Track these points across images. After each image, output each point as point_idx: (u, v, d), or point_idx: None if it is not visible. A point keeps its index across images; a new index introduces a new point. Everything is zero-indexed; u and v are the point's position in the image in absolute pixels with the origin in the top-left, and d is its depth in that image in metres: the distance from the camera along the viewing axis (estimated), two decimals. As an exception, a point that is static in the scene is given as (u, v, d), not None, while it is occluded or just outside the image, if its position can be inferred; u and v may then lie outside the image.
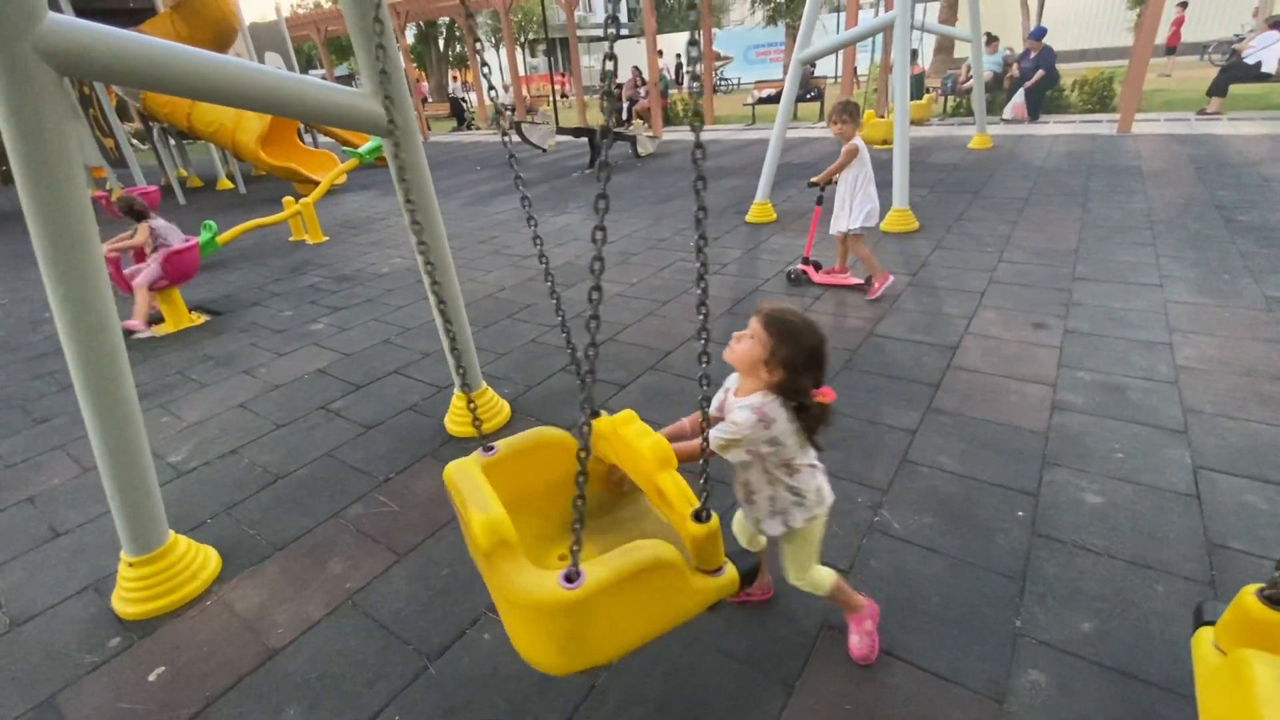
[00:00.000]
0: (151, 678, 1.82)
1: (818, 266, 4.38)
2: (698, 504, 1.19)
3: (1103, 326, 3.33)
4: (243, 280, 5.80)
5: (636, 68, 15.08)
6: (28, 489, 2.83)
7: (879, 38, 9.45)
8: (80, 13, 9.64)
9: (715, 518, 1.19)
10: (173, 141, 11.78)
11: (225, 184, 11.79)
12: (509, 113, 16.49)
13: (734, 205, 6.76)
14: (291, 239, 7.13)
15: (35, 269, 5.70)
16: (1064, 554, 1.92)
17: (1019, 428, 2.55)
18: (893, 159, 5.28)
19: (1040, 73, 10.02)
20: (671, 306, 4.16)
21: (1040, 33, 10.35)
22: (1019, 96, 10.23)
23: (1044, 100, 10.39)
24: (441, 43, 25.03)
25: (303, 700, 1.69)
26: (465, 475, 1.32)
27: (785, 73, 14.47)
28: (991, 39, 10.58)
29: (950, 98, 11.98)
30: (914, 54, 5.90)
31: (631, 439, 1.37)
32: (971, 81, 8.84)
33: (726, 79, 23.79)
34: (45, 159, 1.46)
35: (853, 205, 3.91)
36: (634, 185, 8.52)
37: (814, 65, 11.92)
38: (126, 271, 4.66)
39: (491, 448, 1.47)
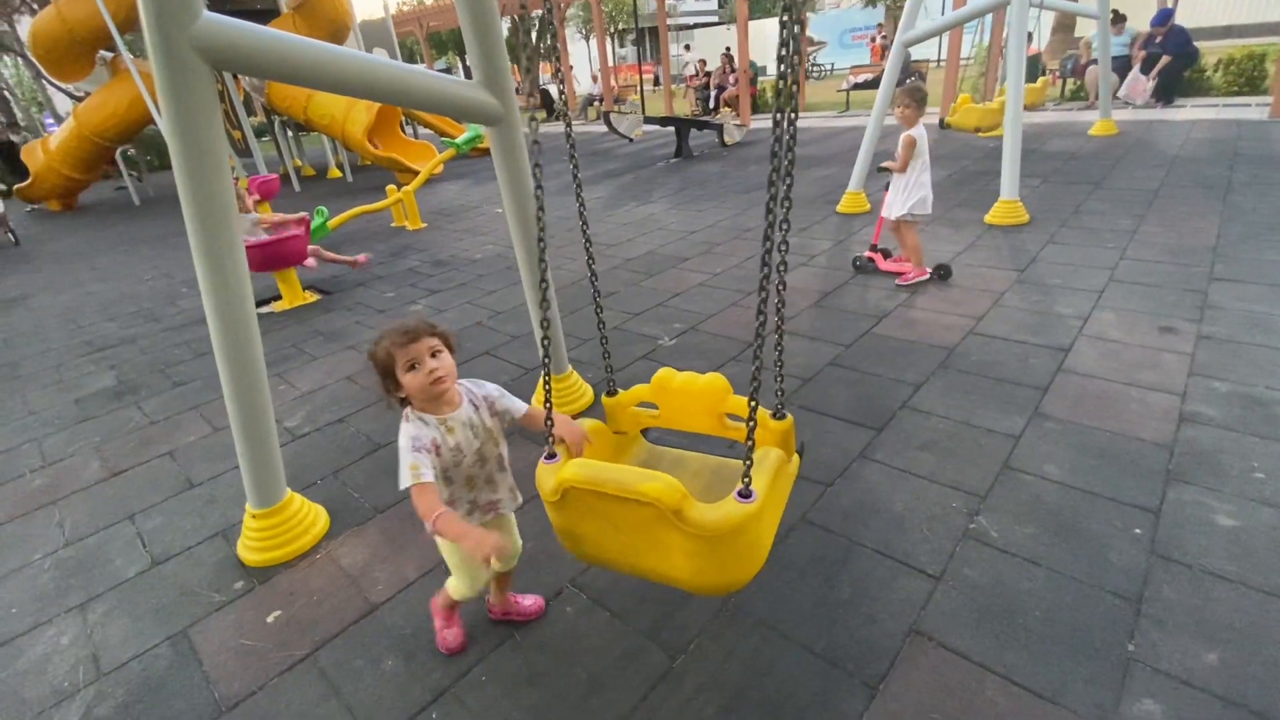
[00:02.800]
0: (270, 619, 2.00)
1: (887, 254, 4.29)
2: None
3: (1244, 333, 2.99)
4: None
5: (727, 51, 14.85)
6: (168, 444, 3.16)
7: (987, 17, 8.84)
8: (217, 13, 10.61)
9: (790, 416, 1.56)
10: (290, 133, 12.73)
11: (335, 173, 12.62)
12: (598, 103, 16.69)
13: (824, 195, 6.55)
14: (393, 225, 7.55)
15: (176, 249, 6.35)
16: (1188, 578, 1.75)
17: (1139, 439, 2.34)
18: (1002, 146, 4.95)
19: (1165, 58, 9.03)
20: (754, 297, 4.08)
21: (1163, 17, 9.29)
22: (1133, 77, 9.27)
23: (1180, 82, 9.38)
24: (534, 35, 25.64)
25: (399, 652, 1.81)
26: (589, 469, 1.33)
27: (882, 57, 13.82)
28: (1119, 17, 9.65)
29: (1070, 80, 11.05)
30: (1029, 35, 5.44)
31: (685, 384, 1.67)
32: (1096, 63, 8.11)
33: (820, 65, 23.01)
34: (199, 144, 1.62)
35: (905, 192, 3.85)
36: (720, 174, 8.42)
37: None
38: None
39: (553, 455, 1.50)
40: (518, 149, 2.24)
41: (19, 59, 21.66)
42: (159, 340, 4.71)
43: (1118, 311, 3.33)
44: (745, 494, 1.26)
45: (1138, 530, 1.93)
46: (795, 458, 1.55)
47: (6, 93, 26.95)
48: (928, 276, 4.01)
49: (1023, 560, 1.86)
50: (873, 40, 20.63)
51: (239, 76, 10.89)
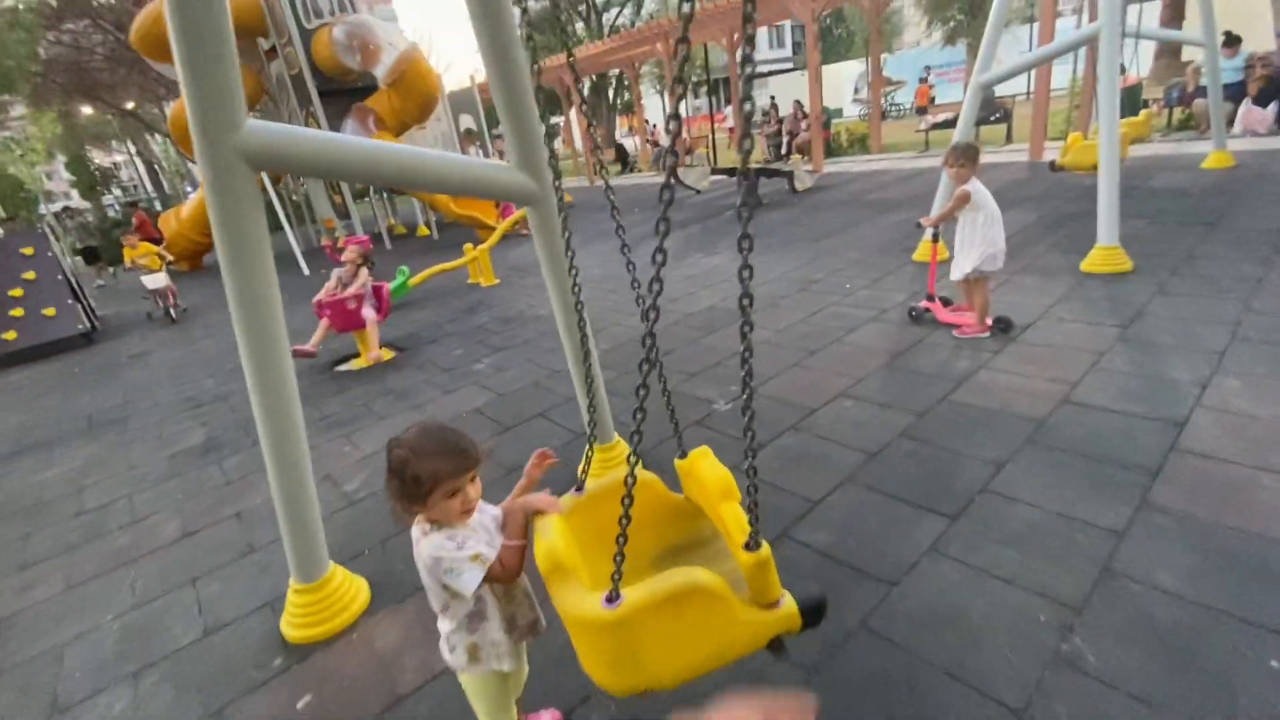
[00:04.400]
0: (300, 705, 1.97)
1: (946, 303, 4.08)
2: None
3: None
4: (427, 319, 6.48)
5: (798, 101, 14.84)
6: (238, 504, 3.31)
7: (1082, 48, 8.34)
8: (323, 93, 11.71)
9: (766, 546, 1.20)
10: (385, 195, 13.74)
11: (423, 231, 13.44)
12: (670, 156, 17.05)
13: (900, 241, 6.26)
14: (469, 281, 7.87)
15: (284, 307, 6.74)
16: (1358, 739, 1.39)
17: (1276, 540, 1.95)
18: (1097, 186, 4.54)
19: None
20: (821, 358, 3.88)
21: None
22: (1246, 108, 8.41)
23: (1312, 105, 8.43)
24: (611, 93, 26.75)
25: (416, 758, 1.72)
26: (546, 522, 1.38)
27: (965, 93, 13.38)
28: (1231, 39, 8.87)
29: (1177, 109, 10.20)
30: (1120, 67, 4.97)
31: (702, 472, 1.50)
32: (1202, 91, 7.43)
33: (897, 104, 22.60)
34: (243, 239, 1.70)
35: (970, 249, 3.66)
36: (788, 222, 8.27)
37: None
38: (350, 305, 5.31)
39: (581, 486, 1.59)
40: (556, 228, 2.23)
41: (167, 137, 24.85)
42: (247, 398, 5.02)
43: (1244, 377, 2.88)
44: (611, 597, 1.13)
45: (1275, 663, 1.58)
46: (787, 608, 1.24)
47: (156, 165, 30.94)
48: (988, 334, 3.75)
49: (1127, 697, 1.56)
50: (922, 81, 20.05)
51: (340, 147, 11.85)
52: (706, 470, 1.57)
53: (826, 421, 3.12)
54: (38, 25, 16.06)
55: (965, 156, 3.63)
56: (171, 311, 8.81)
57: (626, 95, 25.78)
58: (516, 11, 1.80)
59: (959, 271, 3.77)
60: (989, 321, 3.81)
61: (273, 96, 13.05)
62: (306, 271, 10.59)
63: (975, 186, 3.62)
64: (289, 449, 2.10)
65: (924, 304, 4.19)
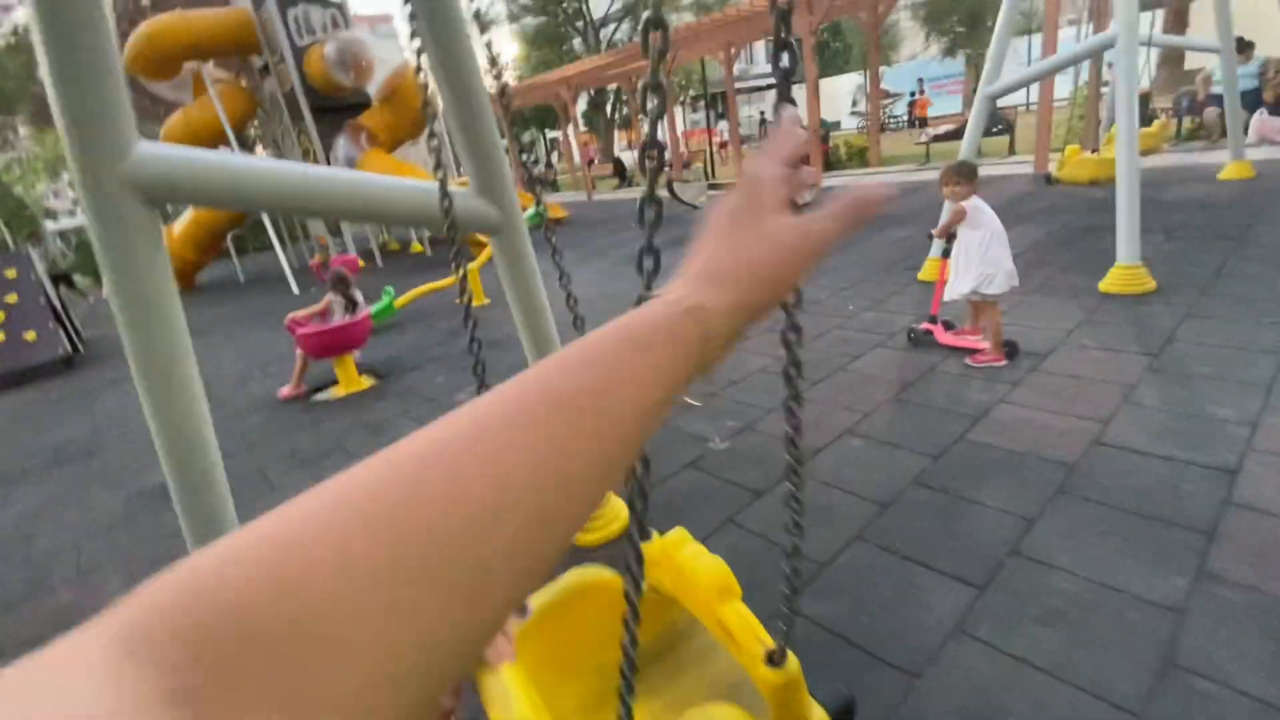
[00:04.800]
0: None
1: (949, 326, 3.87)
2: (771, 642, 1.03)
3: None
4: (411, 343, 6.22)
5: (795, 115, 14.66)
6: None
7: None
8: (316, 110, 11.55)
9: (795, 662, 1.04)
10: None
11: (417, 247, 13.25)
12: (667, 169, 16.90)
13: (903, 259, 6.00)
14: (458, 301, 7.60)
15: (263, 328, 6.51)
16: None
17: (1371, 624, 1.66)
18: (1116, 201, 4.28)
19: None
20: (825, 389, 3.59)
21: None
22: (1259, 117, 8.19)
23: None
24: (609, 108, 26.70)
25: None
26: (494, 681, 1.12)
27: (965, 107, 13.20)
28: (1243, 45, 8.65)
29: (1187, 119, 9.98)
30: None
31: (686, 563, 1.24)
32: (1216, 99, 7.20)
33: (895, 117, 22.48)
34: (139, 293, 1.43)
35: (969, 268, 3.47)
36: (789, 238, 8.01)
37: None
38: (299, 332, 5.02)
39: (525, 609, 1.29)
40: (523, 257, 1.96)
41: (164, 157, 24.75)
42: (219, 428, 4.74)
43: (1300, 415, 2.60)
44: None
45: (1403, 799, 1.28)
46: None
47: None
48: (1004, 364, 3.48)
49: (1218, 845, 1.26)
50: (914, 95, 19.97)
51: (332, 161, 11.70)
52: (692, 562, 1.30)
53: (833, 464, 2.83)
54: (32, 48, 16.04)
55: (960, 175, 3.50)
56: None
57: (625, 109, 25.72)
58: (470, 23, 1.56)
59: (954, 291, 3.60)
60: (980, 343, 3.64)
61: (266, 114, 12.92)
62: (296, 290, 10.37)
63: (975, 204, 3.46)
64: (211, 515, 1.82)
65: (924, 325, 3.97)
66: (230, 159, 1.47)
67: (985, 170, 9.98)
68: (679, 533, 1.38)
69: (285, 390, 5.20)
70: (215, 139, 11.37)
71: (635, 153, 20.85)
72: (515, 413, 0.28)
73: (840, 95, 25.72)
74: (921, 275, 5.33)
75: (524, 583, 0.26)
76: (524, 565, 0.25)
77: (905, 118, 22.29)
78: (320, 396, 5.09)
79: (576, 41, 26.79)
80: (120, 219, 1.31)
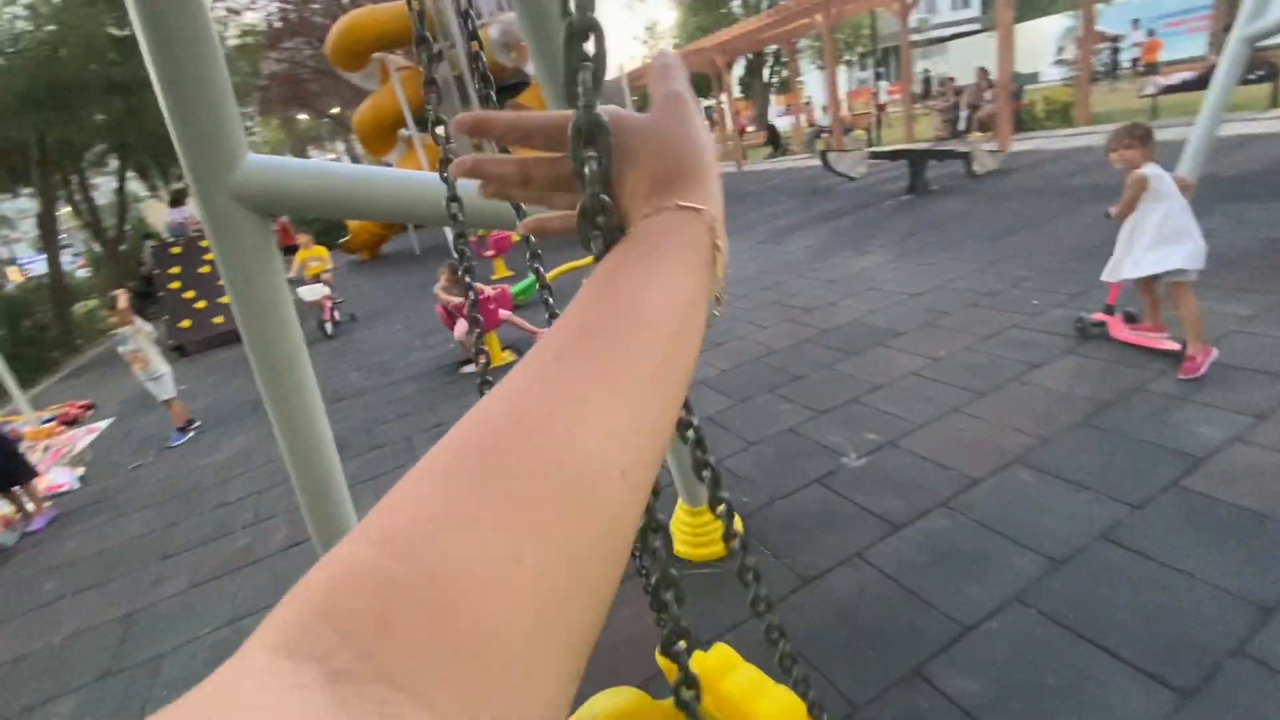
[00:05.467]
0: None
1: (1131, 319, 3.31)
2: None
3: None
4: (552, 321, 6.39)
5: (982, 69, 12.88)
6: (339, 519, 3.32)
7: None
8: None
9: None
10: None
11: (566, 222, 13.68)
12: (826, 135, 15.77)
13: (1106, 244, 4.96)
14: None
15: (429, 299, 6.98)
16: None
17: None
18: None
19: None
20: (991, 403, 3.06)
21: None
22: None
23: None
24: (767, 71, 25.48)
25: None
26: None
27: (1211, 49, 10.63)
28: None
29: None
30: None
31: (739, 699, 0.97)
32: None
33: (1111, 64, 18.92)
34: (255, 295, 1.47)
35: (1153, 245, 3.00)
36: (961, 213, 7.06)
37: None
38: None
39: None
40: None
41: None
42: (380, 396, 5.24)
43: None
44: None
45: None
46: None
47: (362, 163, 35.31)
48: (1215, 355, 2.91)
49: None
50: (1130, 34, 16.02)
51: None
52: (746, 697, 1.00)
53: (994, 501, 2.38)
54: (259, 47, 18.71)
55: (1133, 137, 3.10)
56: (327, 327, 8.02)
57: (784, 72, 24.40)
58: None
59: (1127, 272, 3.13)
60: (1161, 341, 3.14)
61: (439, 98, 13.94)
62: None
63: (1154, 171, 3.01)
64: (330, 507, 1.90)
65: (1097, 315, 3.43)
66: (332, 169, 1.47)
67: (1237, 127, 8.05)
68: (721, 651, 1.10)
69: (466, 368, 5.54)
70: (399, 123, 12.50)
71: (792, 118, 19.51)
72: (563, 345, 0.29)
73: (1041, 42, 22.22)
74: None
75: (638, 494, 0.26)
76: (631, 476, 0.26)
77: (1125, 63, 18.65)
78: (466, 369, 5.40)
79: (736, 3, 25.77)
80: (232, 228, 1.35)
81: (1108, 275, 3.29)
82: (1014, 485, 2.43)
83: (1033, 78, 17.98)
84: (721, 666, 1.03)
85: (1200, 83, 10.00)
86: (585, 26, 0.34)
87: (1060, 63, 20.83)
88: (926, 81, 14.87)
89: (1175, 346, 3.06)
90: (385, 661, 0.18)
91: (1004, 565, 2.05)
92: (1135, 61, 17.21)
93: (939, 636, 1.85)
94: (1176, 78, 10.59)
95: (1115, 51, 17.46)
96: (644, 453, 0.27)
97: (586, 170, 0.35)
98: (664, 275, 0.33)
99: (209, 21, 1.20)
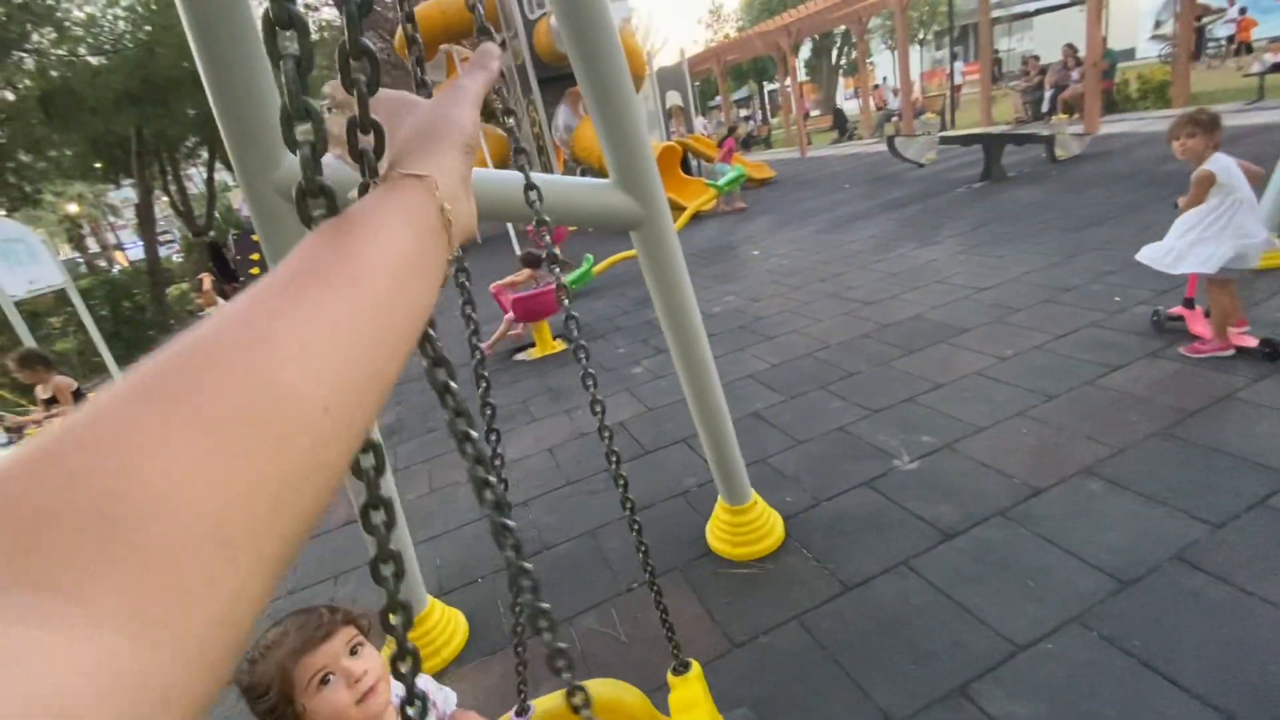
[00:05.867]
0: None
1: (1210, 313, 3.08)
2: None
3: None
4: (603, 310, 6.42)
5: (1069, 45, 12.01)
6: (397, 498, 3.46)
7: None
8: (542, 81, 12.35)
9: None
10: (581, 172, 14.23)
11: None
12: (896, 119, 15.13)
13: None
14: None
15: (486, 286, 7.13)
16: None
17: None
18: None
19: None
20: (1061, 407, 2.87)
21: None
22: None
23: None
24: (835, 53, 24.61)
25: None
26: None
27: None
28: None
29: None
30: None
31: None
32: None
33: (1218, 40, 17.28)
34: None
35: (1219, 238, 2.86)
36: (1040, 202, 6.63)
37: None
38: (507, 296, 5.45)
39: (527, 710, 1.17)
40: (669, 254, 1.76)
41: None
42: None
43: None
44: None
45: None
46: None
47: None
48: (1232, 353, 2.91)
49: None
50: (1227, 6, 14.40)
51: (551, 131, 12.47)
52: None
53: (1058, 511, 2.23)
54: (334, 41, 19.59)
55: (1196, 124, 2.94)
56: None
57: (853, 53, 23.50)
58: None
59: (1194, 265, 2.94)
60: (1240, 337, 2.94)
61: (498, 90, 14.15)
62: (518, 250, 11.38)
63: (1220, 164, 2.86)
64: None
65: (1177, 309, 3.27)
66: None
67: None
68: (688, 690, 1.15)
69: (485, 345, 5.71)
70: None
71: (860, 100, 18.82)
72: (278, 283, 0.30)
73: (1136, 17, 20.55)
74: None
75: (344, 432, 0.28)
76: (335, 413, 0.27)
77: (1218, 39, 16.96)
78: (520, 356, 5.50)
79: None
80: (277, 222, 1.41)
81: (1169, 266, 3.11)
82: (1081, 497, 2.27)
83: (1129, 54, 16.62)
84: (685, 701, 1.07)
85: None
86: (282, 16, 0.35)
87: (1157, 38, 19.19)
88: (998, 62, 13.93)
89: (1253, 342, 2.88)
90: (33, 567, 0.18)
91: (1064, 583, 1.93)
92: (1231, 39, 15.65)
93: (988, 655, 1.76)
94: (1294, 51, 9.56)
95: (1199, 32, 15.91)
96: (352, 394, 0.28)
97: (299, 153, 0.37)
98: (379, 232, 0.34)
99: (253, 20, 1.24)
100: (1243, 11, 15.20)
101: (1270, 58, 9.71)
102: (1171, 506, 2.12)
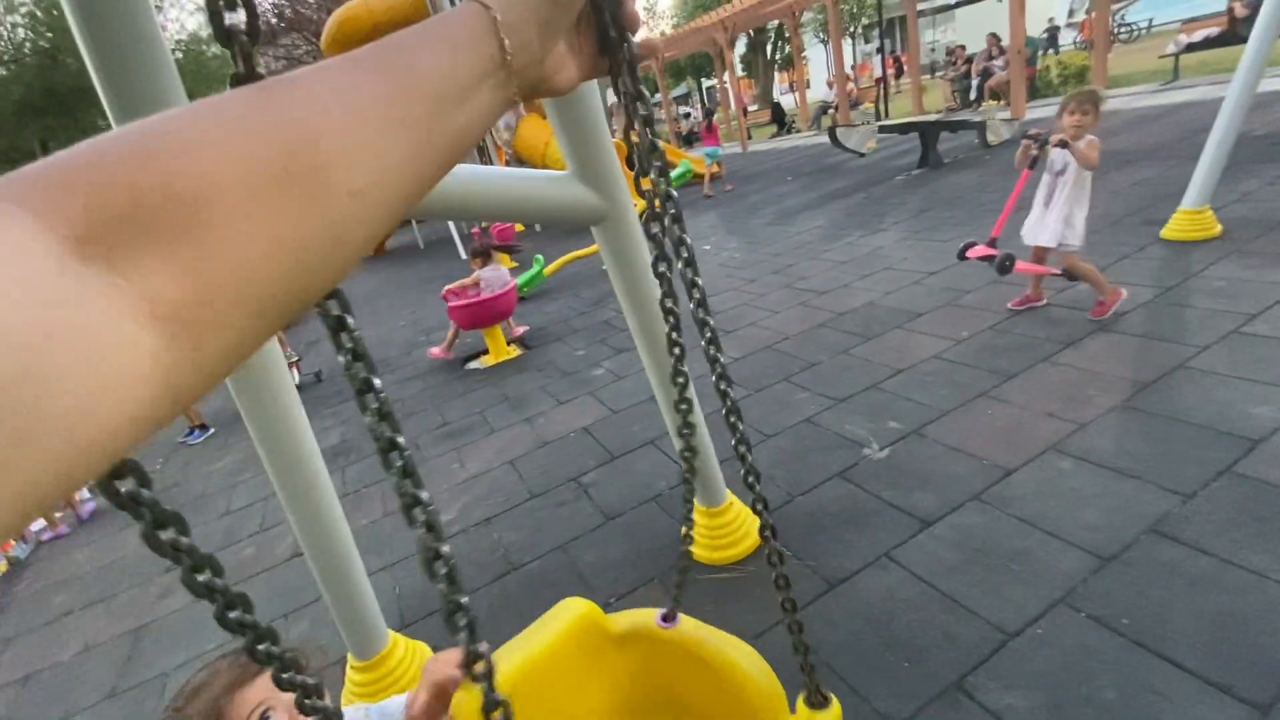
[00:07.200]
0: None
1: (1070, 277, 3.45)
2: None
3: None
4: (557, 312, 6.25)
5: (993, 35, 12.47)
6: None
7: None
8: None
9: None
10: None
11: (572, 209, 13.49)
12: (832, 111, 15.41)
13: (1141, 210, 4.76)
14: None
15: (432, 293, 6.89)
16: None
17: None
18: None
19: None
20: (1021, 386, 2.89)
21: None
22: None
23: None
24: (770, 48, 24.94)
25: None
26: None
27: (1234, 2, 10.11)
28: None
29: None
30: None
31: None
32: None
33: (1129, 25, 18.34)
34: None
35: (1074, 212, 3.29)
36: (977, 186, 6.82)
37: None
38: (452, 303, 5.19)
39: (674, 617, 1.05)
40: (632, 247, 1.65)
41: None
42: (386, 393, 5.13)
43: None
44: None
45: None
46: None
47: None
48: (1125, 296, 3.32)
49: None
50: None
51: (492, 131, 12.16)
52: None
53: (1030, 492, 2.23)
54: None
55: (1092, 103, 3.15)
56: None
57: (787, 48, 23.87)
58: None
59: (1042, 238, 3.40)
60: (1119, 288, 3.34)
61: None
62: (464, 256, 11.05)
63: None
64: (322, 528, 1.79)
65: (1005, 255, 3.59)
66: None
67: (1273, 84, 7.67)
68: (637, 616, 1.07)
69: (435, 350, 5.48)
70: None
71: (796, 95, 19.13)
72: (335, 69, 0.31)
73: (1054, 7, 21.57)
74: (1167, 232, 4.15)
75: (369, 217, 0.30)
76: (362, 198, 0.29)
77: (1143, 27, 18.02)
78: (471, 365, 5.29)
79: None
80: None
81: (1041, 240, 3.49)
82: (1052, 475, 2.28)
83: (1047, 40, 17.41)
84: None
85: (1224, 39, 9.60)
86: None
87: (1072, 25, 20.20)
88: (952, 51, 14.36)
89: (1121, 293, 3.32)
90: (117, 244, 0.21)
91: (1046, 564, 1.91)
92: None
93: (979, 645, 1.71)
94: (1199, 34, 10.17)
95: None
96: (382, 188, 0.30)
97: None
98: (436, 50, 0.35)
99: (153, 18, 1.06)
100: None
101: (1185, 38, 10.28)
102: (1141, 479, 2.14)
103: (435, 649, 2.19)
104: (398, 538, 2.99)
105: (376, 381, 0.45)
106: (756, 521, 2.34)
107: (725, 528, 2.28)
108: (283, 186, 0.26)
